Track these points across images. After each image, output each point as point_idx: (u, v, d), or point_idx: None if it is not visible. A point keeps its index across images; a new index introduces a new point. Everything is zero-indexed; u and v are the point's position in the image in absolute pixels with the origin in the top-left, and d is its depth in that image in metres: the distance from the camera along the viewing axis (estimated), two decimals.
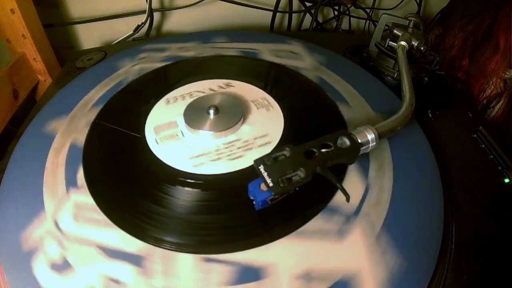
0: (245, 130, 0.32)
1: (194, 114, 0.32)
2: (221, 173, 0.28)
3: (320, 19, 0.66)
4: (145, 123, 0.33)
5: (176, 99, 0.36)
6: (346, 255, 0.24)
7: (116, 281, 0.22)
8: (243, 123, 0.32)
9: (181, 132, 0.32)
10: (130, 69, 0.41)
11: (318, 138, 0.26)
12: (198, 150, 0.30)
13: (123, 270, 0.23)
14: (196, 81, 0.38)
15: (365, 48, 0.45)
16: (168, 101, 0.36)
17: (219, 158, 0.30)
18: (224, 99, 0.34)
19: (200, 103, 0.33)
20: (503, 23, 0.42)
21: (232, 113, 0.32)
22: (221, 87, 0.37)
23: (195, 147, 0.31)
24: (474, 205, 0.29)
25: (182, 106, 0.34)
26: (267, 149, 0.30)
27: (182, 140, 0.31)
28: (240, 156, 0.30)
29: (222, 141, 0.31)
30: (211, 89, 0.37)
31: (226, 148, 0.30)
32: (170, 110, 0.34)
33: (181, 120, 0.33)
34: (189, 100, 0.34)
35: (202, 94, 0.36)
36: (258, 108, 0.34)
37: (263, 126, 0.32)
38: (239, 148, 0.30)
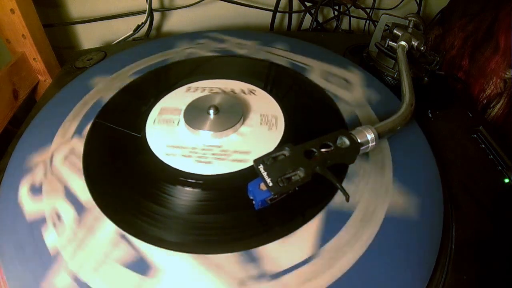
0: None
1: (194, 114, 0.32)
2: (221, 173, 0.28)
3: (320, 19, 0.66)
4: (145, 123, 0.33)
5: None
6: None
7: (59, 216, 0.26)
8: (243, 123, 0.32)
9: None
10: (182, 51, 0.43)
11: (318, 137, 0.26)
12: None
13: (68, 212, 0.27)
14: (196, 81, 0.38)
15: (365, 48, 0.45)
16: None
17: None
18: (224, 99, 0.34)
19: (200, 103, 0.33)
20: (503, 23, 0.42)
21: (232, 113, 0.32)
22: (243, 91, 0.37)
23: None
24: (474, 205, 0.29)
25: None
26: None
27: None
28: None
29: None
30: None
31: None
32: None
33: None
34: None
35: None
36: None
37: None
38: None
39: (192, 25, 0.63)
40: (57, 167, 0.30)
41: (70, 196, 0.27)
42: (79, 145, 0.31)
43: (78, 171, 0.29)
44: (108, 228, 0.25)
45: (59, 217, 0.26)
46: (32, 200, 0.28)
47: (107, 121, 0.34)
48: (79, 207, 0.27)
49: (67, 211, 0.26)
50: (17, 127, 0.38)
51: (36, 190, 0.28)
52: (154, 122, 0.33)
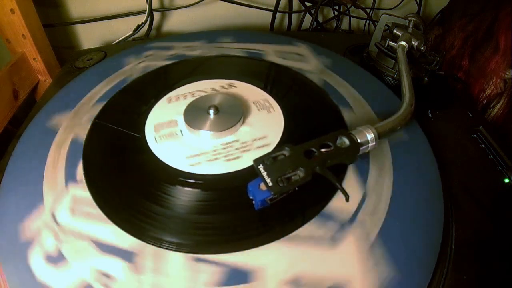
0: (245, 131, 0.32)
1: (194, 114, 0.32)
2: (220, 173, 0.28)
3: (320, 19, 0.66)
4: (145, 123, 0.33)
5: (178, 98, 0.36)
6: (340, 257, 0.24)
7: (107, 275, 0.23)
8: (243, 123, 0.32)
9: (180, 131, 0.32)
10: (135, 67, 0.41)
11: (317, 137, 0.26)
12: (196, 150, 0.30)
13: (115, 265, 0.23)
14: (196, 81, 0.38)
15: (365, 48, 0.45)
16: (170, 100, 0.36)
17: (216, 159, 0.30)
18: (224, 99, 0.34)
19: (200, 103, 0.33)
20: (503, 23, 0.42)
21: (232, 113, 0.32)
22: (223, 87, 0.37)
23: (194, 147, 0.31)
24: (474, 205, 0.29)
25: (183, 105, 0.34)
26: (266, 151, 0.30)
27: (181, 139, 0.31)
28: (237, 157, 0.30)
29: (220, 141, 0.31)
30: (213, 89, 0.37)
31: (224, 148, 0.30)
32: (171, 109, 0.35)
33: (181, 120, 0.33)
34: (190, 99, 0.34)
35: (203, 94, 0.36)
36: (259, 110, 0.34)
37: (263, 127, 0.32)
38: (237, 149, 0.30)
39: (192, 25, 0.63)
40: (68, 224, 0.26)
41: (106, 247, 0.24)
42: (80, 190, 0.28)
43: (98, 217, 0.26)
44: (175, 259, 0.23)
45: (107, 275, 0.23)
46: (58, 271, 0.23)
47: (107, 121, 0.34)
48: (125, 255, 0.24)
49: (114, 264, 0.23)
50: (17, 127, 0.38)
51: (55, 259, 0.24)
52: (156, 141, 0.31)
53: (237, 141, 0.31)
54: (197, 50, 0.43)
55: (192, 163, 0.29)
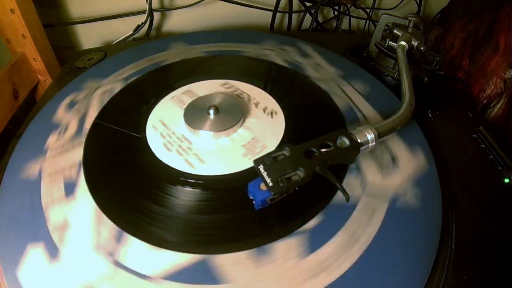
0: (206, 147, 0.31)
1: (194, 114, 0.32)
2: (220, 174, 0.28)
3: (320, 19, 0.66)
4: (146, 123, 0.33)
5: (225, 84, 0.37)
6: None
7: (66, 130, 0.33)
8: (243, 123, 0.32)
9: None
10: (259, 49, 0.43)
11: (317, 137, 0.26)
12: (169, 122, 0.33)
13: (72, 130, 0.33)
14: (196, 81, 0.38)
15: (365, 48, 0.45)
16: (225, 84, 0.37)
17: (163, 137, 0.31)
18: (224, 99, 0.34)
19: (200, 103, 0.33)
20: (503, 23, 0.42)
21: (232, 113, 0.32)
22: (256, 103, 0.35)
23: (173, 120, 0.33)
24: (474, 205, 0.29)
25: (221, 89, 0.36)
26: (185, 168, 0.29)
27: (179, 109, 0.33)
28: (169, 150, 0.31)
29: (185, 132, 0.32)
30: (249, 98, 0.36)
31: (178, 138, 0.32)
32: (210, 88, 0.37)
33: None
34: (228, 90, 0.36)
35: (239, 94, 0.36)
36: (248, 148, 0.31)
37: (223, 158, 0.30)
38: (179, 146, 0.31)
39: (192, 25, 0.63)
40: (93, 97, 0.36)
41: (81, 120, 0.34)
42: (118, 86, 0.38)
43: (99, 106, 0.35)
44: (76, 157, 0.30)
45: (66, 130, 0.33)
46: (64, 111, 0.35)
47: (107, 121, 0.34)
48: (79, 130, 0.33)
49: (71, 129, 0.33)
50: (17, 127, 0.38)
51: (72, 105, 0.36)
52: (171, 98, 0.36)
53: (190, 143, 0.31)
54: (318, 73, 0.39)
55: (156, 126, 0.33)
